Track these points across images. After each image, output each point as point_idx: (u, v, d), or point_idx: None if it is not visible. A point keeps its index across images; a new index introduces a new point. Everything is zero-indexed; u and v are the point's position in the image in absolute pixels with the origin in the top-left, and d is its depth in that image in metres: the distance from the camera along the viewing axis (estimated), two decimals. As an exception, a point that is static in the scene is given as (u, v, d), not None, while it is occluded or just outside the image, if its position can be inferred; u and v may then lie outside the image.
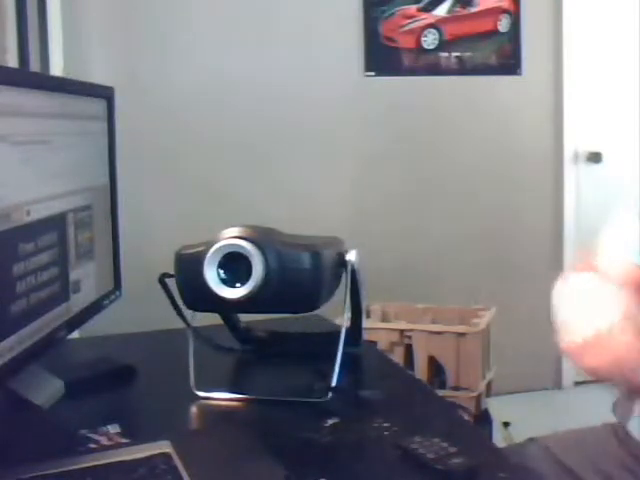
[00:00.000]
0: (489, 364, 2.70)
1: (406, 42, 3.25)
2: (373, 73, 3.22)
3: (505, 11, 3.35)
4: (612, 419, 1.20)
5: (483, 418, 2.57)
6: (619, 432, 1.16)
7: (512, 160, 3.42)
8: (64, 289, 1.11)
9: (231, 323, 1.31)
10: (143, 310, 2.18)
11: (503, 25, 3.36)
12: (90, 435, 0.96)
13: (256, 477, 0.84)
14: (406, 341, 2.59)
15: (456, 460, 0.86)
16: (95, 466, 0.84)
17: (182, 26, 3.01)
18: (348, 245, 1.17)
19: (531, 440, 1.18)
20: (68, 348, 1.31)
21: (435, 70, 3.29)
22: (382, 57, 3.23)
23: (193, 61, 3.03)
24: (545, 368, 3.49)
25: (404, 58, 3.25)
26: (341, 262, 1.13)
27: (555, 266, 3.49)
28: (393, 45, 3.24)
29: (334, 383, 1.07)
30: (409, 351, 2.59)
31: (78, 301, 1.16)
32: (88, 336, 1.55)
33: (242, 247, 1.00)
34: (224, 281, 1.01)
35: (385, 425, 0.99)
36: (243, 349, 1.33)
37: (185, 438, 0.93)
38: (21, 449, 0.90)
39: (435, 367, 2.57)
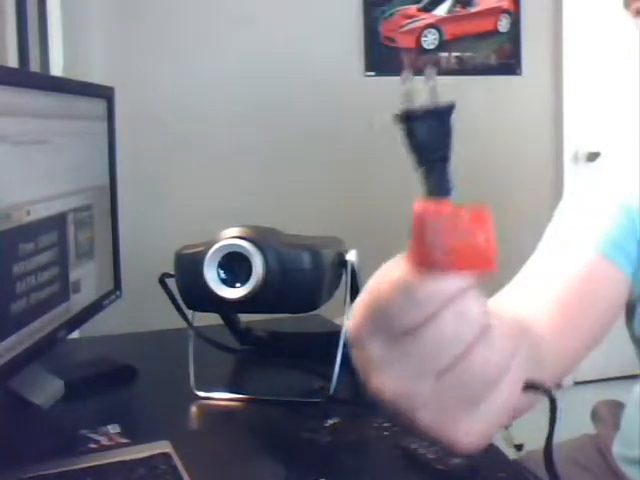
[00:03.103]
0: (489, 364, 2.70)
1: (406, 42, 3.25)
2: (373, 73, 3.22)
3: (505, 11, 3.35)
4: (592, 430, 1.20)
5: (483, 418, 2.57)
6: (598, 443, 1.16)
7: (512, 160, 3.42)
8: (64, 289, 1.11)
9: (231, 323, 1.31)
10: (143, 310, 2.18)
11: (503, 25, 3.36)
12: (90, 435, 0.96)
13: (256, 477, 0.85)
14: (406, 341, 2.59)
15: (456, 460, 0.86)
16: (95, 466, 0.84)
17: (182, 26, 3.01)
18: (348, 245, 1.17)
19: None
20: (68, 348, 1.31)
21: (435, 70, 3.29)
22: (382, 57, 3.24)
23: (193, 61, 3.03)
24: (545, 368, 3.49)
25: (404, 58, 3.25)
26: (341, 262, 1.13)
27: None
28: (393, 45, 3.24)
29: (334, 383, 1.07)
30: (409, 351, 2.58)
31: (78, 301, 1.16)
32: (88, 336, 1.55)
33: (242, 247, 1.00)
34: (224, 281, 1.01)
35: (385, 425, 0.99)
36: (243, 349, 1.33)
37: (185, 438, 0.93)
38: (21, 449, 0.90)
39: (435, 367, 2.57)
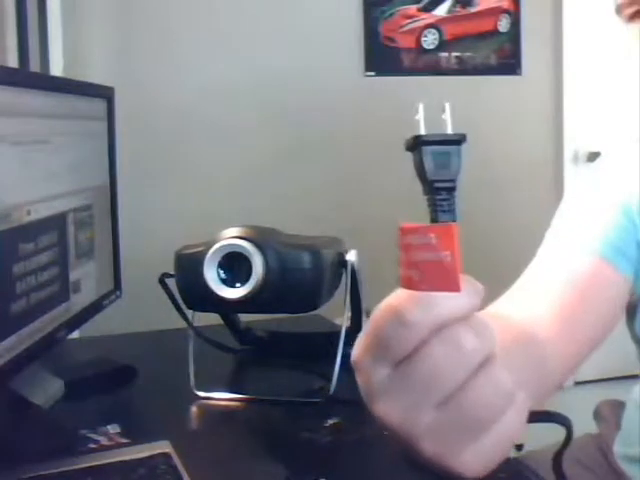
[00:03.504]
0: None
1: (406, 42, 3.25)
2: (373, 73, 3.22)
3: (505, 11, 3.35)
4: (593, 429, 1.20)
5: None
6: (600, 442, 1.16)
7: (512, 160, 3.42)
8: (64, 289, 1.11)
9: (231, 323, 1.31)
10: (143, 310, 2.18)
11: (503, 25, 3.36)
12: (90, 435, 0.96)
13: (256, 477, 0.84)
14: (406, 341, 2.59)
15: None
16: (95, 466, 0.84)
17: (182, 27, 3.01)
18: (348, 245, 1.17)
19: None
20: (68, 348, 1.31)
21: (435, 70, 3.30)
22: (382, 57, 3.23)
23: (193, 61, 3.03)
24: (545, 368, 3.49)
25: (404, 58, 3.25)
26: (341, 262, 1.13)
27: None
28: (393, 45, 3.24)
29: (334, 383, 1.07)
30: (409, 351, 2.58)
31: (78, 301, 1.16)
32: (88, 336, 1.55)
33: (242, 247, 1.00)
34: (224, 281, 1.01)
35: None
36: (243, 349, 1.33)
37: (185, 438, 0.93)
38: (21, 449, 0.90)
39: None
